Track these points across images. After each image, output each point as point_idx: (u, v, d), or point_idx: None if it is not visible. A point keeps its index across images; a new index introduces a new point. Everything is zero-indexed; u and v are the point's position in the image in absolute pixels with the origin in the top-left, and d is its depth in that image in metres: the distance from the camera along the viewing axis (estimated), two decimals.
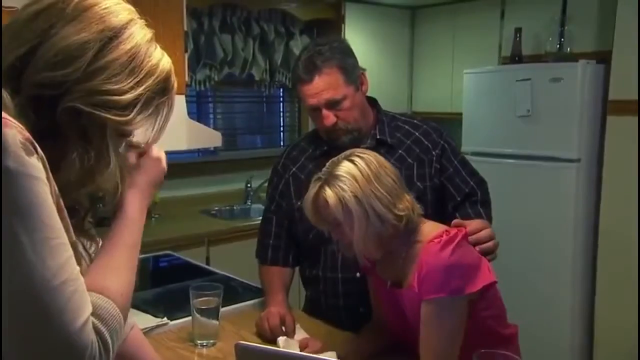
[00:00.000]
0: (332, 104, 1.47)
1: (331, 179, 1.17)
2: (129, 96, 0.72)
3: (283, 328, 1.44)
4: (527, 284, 2.89)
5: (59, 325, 0.60)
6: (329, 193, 1.16)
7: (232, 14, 3.24)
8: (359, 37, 3.51)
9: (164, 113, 0.81)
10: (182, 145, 1.40)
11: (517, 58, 3.13)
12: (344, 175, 1.16)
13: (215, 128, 3.47)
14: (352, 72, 1.49)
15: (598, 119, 2.79)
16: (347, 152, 1.22)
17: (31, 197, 0.60)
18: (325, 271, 1.56)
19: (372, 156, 1.20)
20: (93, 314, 0.65)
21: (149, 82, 0.75)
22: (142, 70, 0.74)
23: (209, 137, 1.77)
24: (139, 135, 0.81)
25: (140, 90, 0.74)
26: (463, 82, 3.25)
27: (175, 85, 0.82)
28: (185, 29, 1.66)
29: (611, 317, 2.72)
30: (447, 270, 1.12)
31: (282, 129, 3.97)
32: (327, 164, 1.22)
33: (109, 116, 0.71)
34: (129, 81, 0.73)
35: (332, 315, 1.56)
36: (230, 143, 3.69)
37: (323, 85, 1.45)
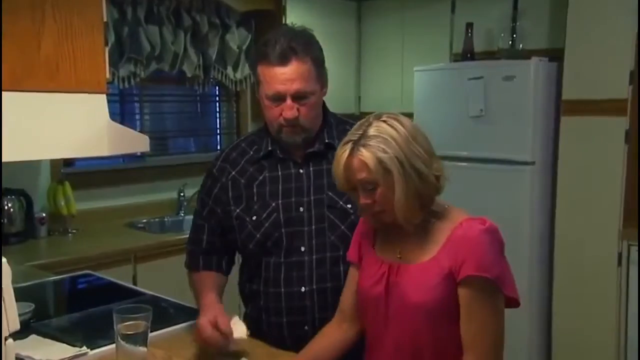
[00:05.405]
0: (300, 97, 1.48)
1: (364, 139, 1.18)
2: None
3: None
4: None
5: None
6: (365, 154, 1.17)
7: (159, 3, 3.19)
8: None
9: None
10: (104, 151, 1.35)
11: (469, 55, 3.24)
12: (379, 135, 1.18)
13: (142, 130, 3.39)
14: (322, 69, 1.53)
15: (552, 119, 2.93)
16: (376, 114, 1.23)
17: None
18: (266, 286, 1.56)
19: (404, 118, 1.23)
20: None
21: None
22: None
23: (135, 141, 1.72)
24: None
25: None
26: (414, 80, 3.33)
27: None
28: (105, 19, 1.60)
29: (569, 320, 2.86)
30: (492, 252, 1.18)
31: (218, 131, 3.94)
32: (355, 126, 1.23)
33: None
34: None
35: (274, 334, 1.56)
36: (160, 147, 3.63)
37: (296, 74, 1.45)
